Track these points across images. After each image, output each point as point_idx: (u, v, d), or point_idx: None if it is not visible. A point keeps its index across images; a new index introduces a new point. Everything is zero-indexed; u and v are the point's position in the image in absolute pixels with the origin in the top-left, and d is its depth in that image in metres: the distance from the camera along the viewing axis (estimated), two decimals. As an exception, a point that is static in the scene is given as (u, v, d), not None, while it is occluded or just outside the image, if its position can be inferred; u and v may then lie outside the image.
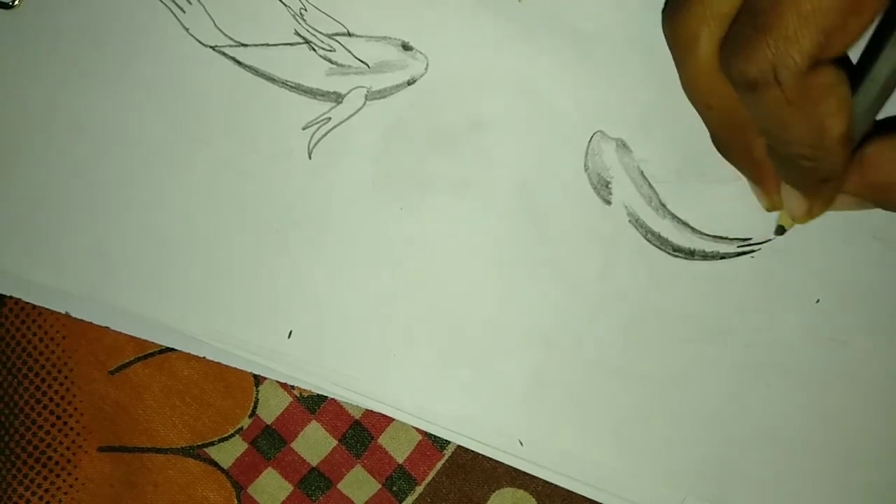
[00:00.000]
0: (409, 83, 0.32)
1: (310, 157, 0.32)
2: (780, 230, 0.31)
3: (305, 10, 0.32)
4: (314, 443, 0.33)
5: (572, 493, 0.32)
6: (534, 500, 0.33)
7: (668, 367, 0.32)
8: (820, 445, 0.32)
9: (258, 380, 0.33)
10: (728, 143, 0.28)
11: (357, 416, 0.33)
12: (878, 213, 0.32)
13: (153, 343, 0.32)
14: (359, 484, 0.33)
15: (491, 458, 0.32)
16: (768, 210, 0.30)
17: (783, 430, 0.32)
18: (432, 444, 0.33)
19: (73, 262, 0.32)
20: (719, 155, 0.29)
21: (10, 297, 0.32)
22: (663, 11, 0.29)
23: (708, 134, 0.29)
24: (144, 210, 0.32)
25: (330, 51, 0.32)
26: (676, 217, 0.32)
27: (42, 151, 0.32)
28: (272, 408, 0.33)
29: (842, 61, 0.24)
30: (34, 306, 0.32)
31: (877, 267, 0.32)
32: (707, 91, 0.27)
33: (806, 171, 0.26)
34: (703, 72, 0.26)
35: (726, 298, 0.32)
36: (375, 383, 0.32)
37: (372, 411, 0.33)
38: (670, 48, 0.27)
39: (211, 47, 0.32)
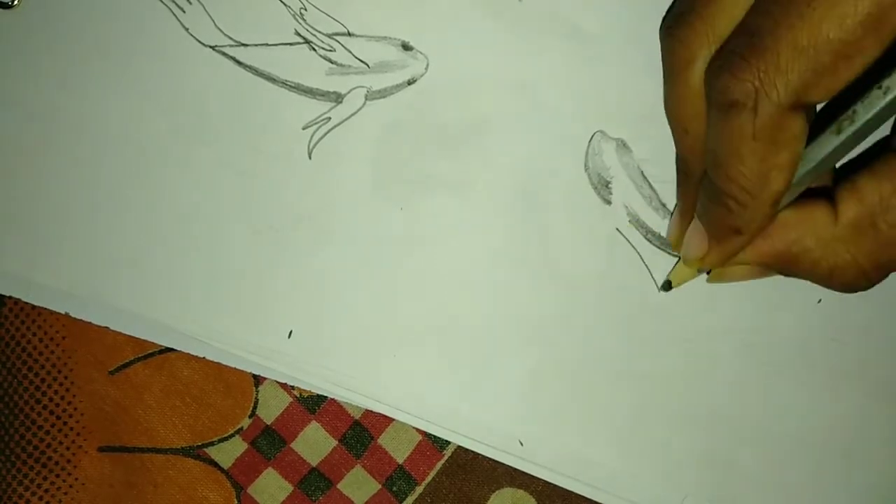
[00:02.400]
0: (410, 83, 0.32)
1: (310, 157, 0.32)
2: (667, 285, 0.31)
3: (305, 9, 0.32)
4: (314, 443, 0.33)
5: (572, 493, 0.32)
6: (534, 500, 0.33)
7: (668, 367, 0.32)
8: (820, 445, 0.32)
9: (258, 380, 0.33)
10: (693, 170, 0.28)
11: (357, 416, 0.33)
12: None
13: (153, 343, 0.32)
14: (359, 484, 0.33)
15: (491, 458, 0.32)
16: (671, 244, 0.30)
17: (783, 430, 0.32)
18: (432, 444, 0.33)
19: (73, 262, 0.32)
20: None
21: (10, 297, 0.32)
22: (662, 24, 0.29)
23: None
24: (144, 210, 0.32)
25: (330, 51, 0.32)
26: (676, 217, 0.32)
27: (42, 151, 0.32)
28: (272, 408, 0.33)
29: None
30: (34, 306, 0.32)
31: (877, 267, 0.32)
32: (690, 115, 0.26)
33: (724, 215, 0.26)
34: (692, 94, 0.26)
35: (726, 298, 0.32)
36: (375, 383, 0.32)
37: (372, 411, 0.33)
38: (664, 63, 0.27)
39: (211, 47, 0.32)
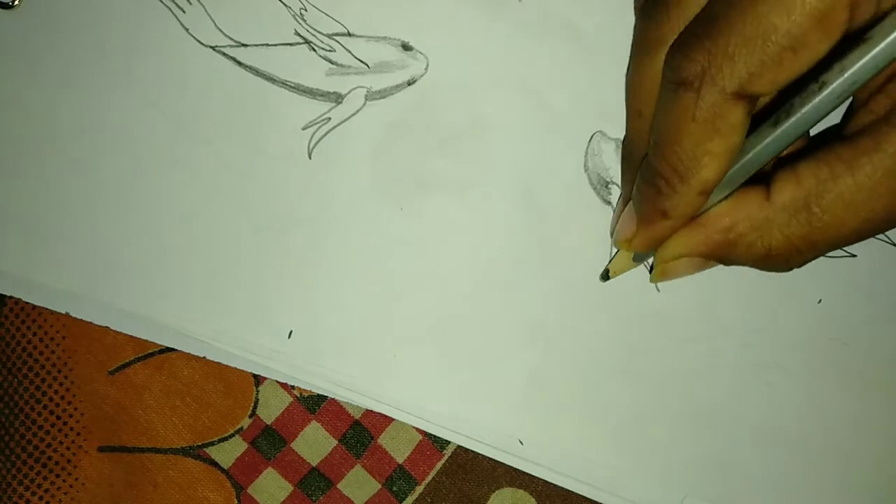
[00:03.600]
0: (410, 83, 0.32)
1: (310, 157, 0.32)
2: (605, 274, 0.31)
3: (305, 10, 0.32)
4: (314, 443, 0.33)
5: (572, 493, 0.32)
6: (534, 500, 0.33)
7: (668, 367, 0.32)
8: (820, 445, 0.32)
9: (258, 380, 0.33)
10: (637, 154, 0.28)
11: (357, 416, 0.33)
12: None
13: (153, 343, 0.32)
14: (359, 484, 0.33)
15: (491, 458, 0.32)
16: (612, 234, 0.30)
17: (783, 430, 0.32)
18: (432, 443, 0.33)
19: (73, 262, 0.32)
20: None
21: (10, 297, 0.32)
22: (636, 3, 0.29)
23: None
24: (144, 210, 0.32)
25: (330, 51, 0.32)
26: (676, 217, 0.32)
27: (42, 151, 0.32)
28: (272, 408, 0.33)
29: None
30: (34, 306, 0.32)
31: (877, 267, 0.32)
32: (647, 98, 0.27)
33: (654, 196, 0.26)
34: (653, 76, 0.26)
35: (726, 298, 0.32)
36: (375, 383, 0.32)
37: (372, 411, 0.33)
38: (633, 42, 0.27)
39: (211, 47, 0.32)
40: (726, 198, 0.26)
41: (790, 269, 0.26)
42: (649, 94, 0.27)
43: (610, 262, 0.31)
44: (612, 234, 0.31)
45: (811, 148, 0.25)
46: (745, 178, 0.26)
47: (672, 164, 0.25)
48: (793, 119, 0.24)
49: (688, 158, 0.25)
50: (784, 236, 0.25)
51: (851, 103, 0.27)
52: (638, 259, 0.30)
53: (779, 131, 0.25)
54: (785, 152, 0.26)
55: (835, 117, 0.26)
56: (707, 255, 0.27)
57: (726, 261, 0.27)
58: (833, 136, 0.26)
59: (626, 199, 0.29)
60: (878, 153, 0.24)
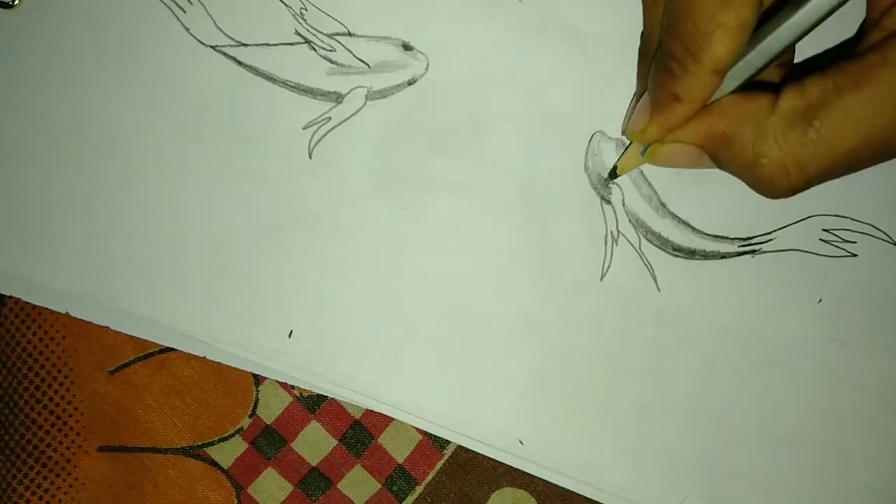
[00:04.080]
0: (410, 83, 0.32)
1: (310, 157, 0.32)
2: (613, 172, 0.31)
3: (306, 9, 0.32)
4: (314, 443, 0.33)
5: (572, 493, 0.32)
6: (534, 500, 0.33)
7: (669, 367, 0.32)
8: (820, 445, 0.32)
9: (258, 380, 0.33)
10: (652, 44, 0.28)
11: (357, 415, 0.33)
12: (876, 212, 0.32)
13: (153, 343, 0.32)
14: (359, 484, 0.33)
15: (491, 458, 0.32)
16: (623, 132, 0.30)
17: (783, 430, 0.32)
18: (432, 443, 0.33)
19: (73, 262, 0.32)
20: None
21: (10, 297, 0.32)
22: None
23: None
24: (144, 210, 0.32)
25: (330, 51, 0.32)
26: (676, 217, 0.32)
27: (42, 151, 0.32)
28: (272, 408, 0.33)
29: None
30: (34, 306, 0.32)
31: (877, 267, 0.32)
32: None
33: (667, 79, 0.26)
34: None
35: (726, 298, 0.32)
36: (375, 383, 0.32)
37: (372, 411, 0.33)
38: None
39: (211, 47, 0.32)
40: (734, 92, 0.26)
41: (773, 192, 0.26)
42: None
43: (618, 160, 0.31)
44: (623, 133, 0.31)
45: (822, 65, 0.25)
46: (756, 70, 0.26)
47: (684, 41, 0.25)
48: (805, 7, 0.24)
49: (699, 34, 0.24)
50: (778, 147, 0.25)
51: (863, 24, 0.27)
52: (644, 143, 0.29)
53: (792, 18, 0.24)
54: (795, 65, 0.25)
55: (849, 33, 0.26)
56: (703, 145, 0.27)
57: (719, 160, 0.27)
58: (840, 55, 0.26)
59: (639, 94, 0.29)
60: (886, 67, 0.24)
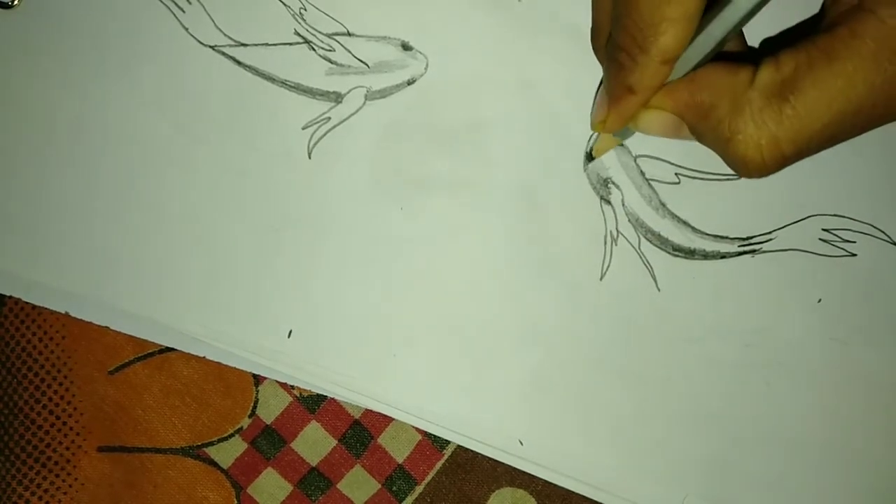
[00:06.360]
0: (409, 83, 0.32)
1: (310, 157, 0.32)
2: (589, 156, 0.32)
3: (305, 9, 0.32)
4: (314, 443, 0.33)
5: (572, 493, 0.32)
6: (534, 500, 0.33)
7: (668, 367, 0.32)
8: (820, 445, 0.32)
9: (258, 380, 0.33)
10: (603, 37, 0.28)
11: (357, 415, 0.33)
12: (876, 211, 0.32)
13: (153, 343, 0.32)
14: (358, 484, 0.33)
15: (491, 458, 0.32)
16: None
17: (783, 430, 0.32)
18: (432, 443, 0.33)
19: (73, 262, 0.32)
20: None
21: (10, 297, 0.32)
22: None
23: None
24: (144, 210, 0.32)
25: (330, 51, 0.32)
26: (676, 217, 0.32)
27: (42, 151, 0.32)
28: (272, 408, 0.33)
29: None
30: (34, 306, 0.32)
31: (877, 267, 0.32)
32: None
33: (618, 72, 0.26)
34: None
35: (726, 298, 0.32)
36: (375, 383, 0.32)
37: (371, 411, 0.33)
38: None
39: (211, 47, 0.32)
40: (715, 63, 0.26)
41: (748, 170, 0.26)
42: None
43: (592, 144, 0.31)
44: (590, 121, 0.31)
45: (795, 38, 0.25)
46: (706, 54, 0.26)
47: (631, 33, 0.25)
48: None
49: (646, 26, 0.24)
50: (753, 124, 0.25)
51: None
52: (621, 135, 0.30)
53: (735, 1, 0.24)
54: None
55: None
56: (682, 114, 0.27)
57: (697, 131, 0.27)
58: (810, 29, 0.25)
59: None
60: (856, 39, 0.24)
